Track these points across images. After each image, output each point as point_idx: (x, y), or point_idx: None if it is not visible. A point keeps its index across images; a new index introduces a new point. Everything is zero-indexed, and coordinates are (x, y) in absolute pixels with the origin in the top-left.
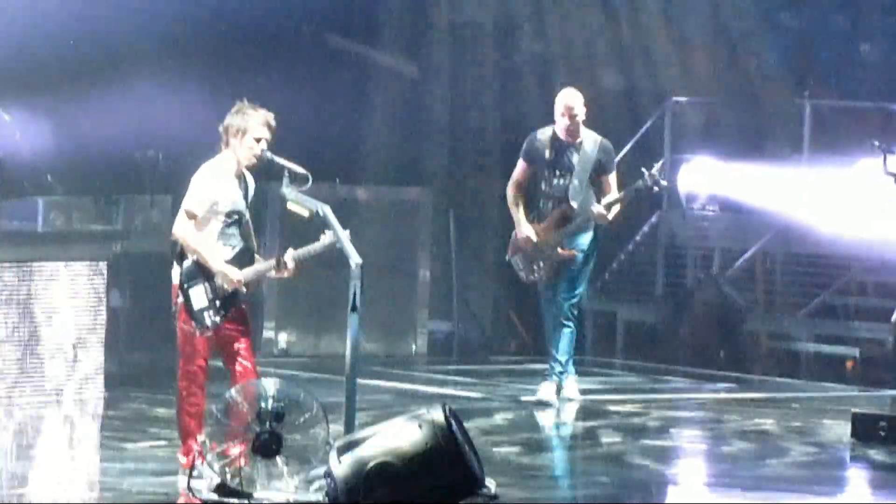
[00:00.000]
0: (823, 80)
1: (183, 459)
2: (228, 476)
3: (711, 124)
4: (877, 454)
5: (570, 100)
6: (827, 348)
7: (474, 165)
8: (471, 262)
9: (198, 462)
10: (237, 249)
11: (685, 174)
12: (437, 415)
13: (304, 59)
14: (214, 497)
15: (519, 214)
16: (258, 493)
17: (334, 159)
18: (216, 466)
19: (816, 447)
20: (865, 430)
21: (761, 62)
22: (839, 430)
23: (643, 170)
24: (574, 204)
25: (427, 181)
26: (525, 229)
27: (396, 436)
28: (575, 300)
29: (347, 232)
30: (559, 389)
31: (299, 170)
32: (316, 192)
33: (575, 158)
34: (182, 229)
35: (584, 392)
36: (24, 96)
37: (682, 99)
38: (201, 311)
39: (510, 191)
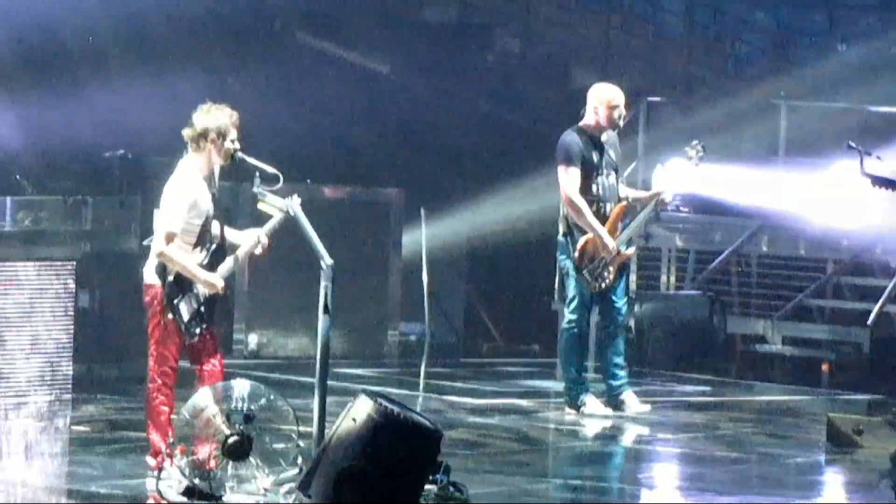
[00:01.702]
0: (800, 80)
1: (152, 462)
2: (197, 478)
3: (686, 124)
4: (852, 458)
5: (618, 95)
6: (802, 351)
7: (446, 165)
8: (443, 263)
9: (166, 464)
10: (211, 249)
11: (659, 175)
12: (363, 401)
13: (275, 57)
14: (183, 500)
15: (597, 222)
16: (227, 496)
17: (305, 159)
18: (185, 469)
19: (791, 451)
20: (840, 433)
21: (737, 62)
22: (814, 433)
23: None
24: (626, 202)
25: (399, 181)
26: (611, 240)
27: (341, 441)
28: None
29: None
30: (621, 403)
31: (270, 170)
32: (287, 191)
33: (612, 154)
34: (163, 249)
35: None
36: None
37: (657, 99)
38: (190, 321)
39: (579, 199)
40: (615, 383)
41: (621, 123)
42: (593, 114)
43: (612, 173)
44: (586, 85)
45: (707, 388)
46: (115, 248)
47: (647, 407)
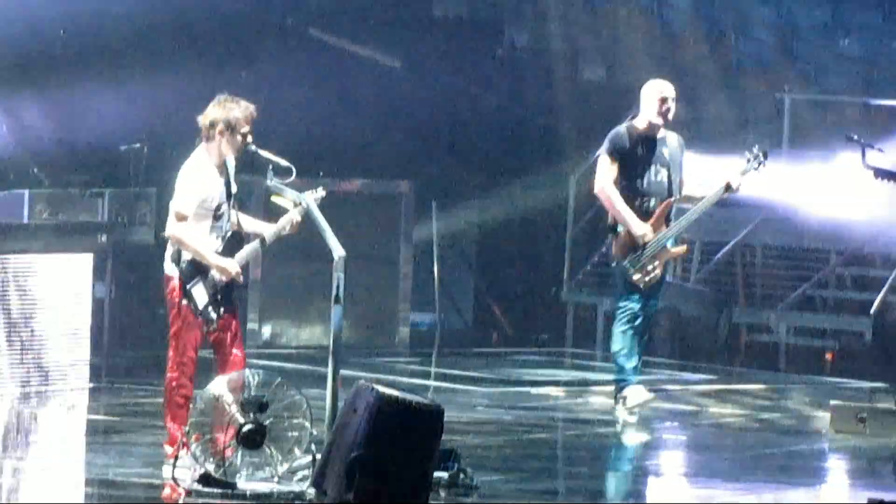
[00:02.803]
0: (803, 74)
1: (169, 450)
2: (213, 466)
3: (691, 118)
4: (855, 445)
5: (667, 88)
6: (806, 341)
7: (456, 158)
8: (453, 254)
9: (182, 452)
10: (227, 237)
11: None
12: (361, 391)
13: (288, 52)
14: (198, 487)
15: (629, 212)
16: (242, 483)
17: (318, 152)
18: (200, 456)
19: (796, 438)
20: (844, 421)
21: (741, 56)
22: (818, 421)
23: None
24: (673, 199)
25: (409, 173)
26: (641, 226)
27: (346, 433)
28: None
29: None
30: (623, 398)
31: (283, 163)
32: (300, 185)
33: (666, 152)
34: (175, 230)
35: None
36: (10, 89)
37: None
38: (206, 307)
39: (611, 189)
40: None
41: (669, 117)
42: (646, 111)
43: (664, 171)
44: (594, 79)
45: (712, 377)
46: (131, 240)
47: (651, 395)
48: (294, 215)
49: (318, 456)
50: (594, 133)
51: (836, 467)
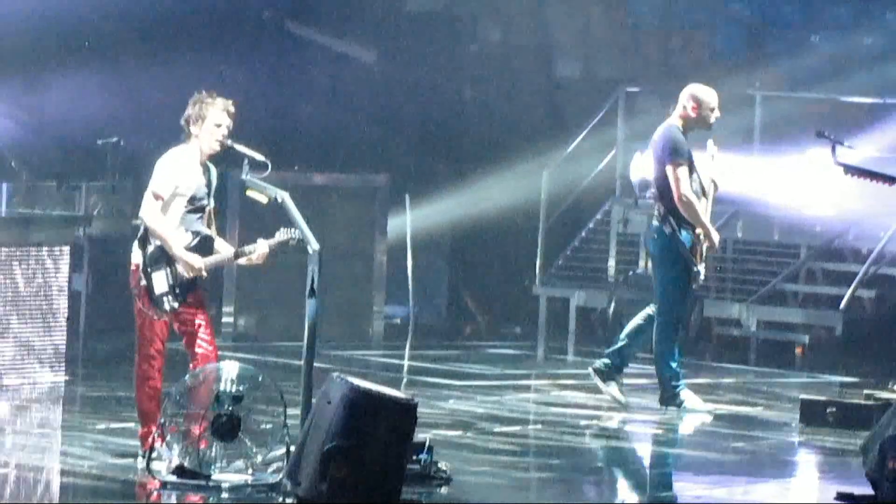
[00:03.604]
0: (775, 70)
1: (142, 442)
2: (187, 457)
3: (664, 113)
4: (824, 439)
5: (712, 96)
6: (777, 334)
7: (431, 152)
8: (427, 247)
9: (157, 444)
10: (198, 237)
11: (638, 162)
12: (336, 383)
13: (264, 46)
14: (173, 478)
15: (707, 218)
16: (216, 475)
17: (293, 146)
18: (175, 448)
19: (766, 431)
20: (814, 415)
21: (713, 52)
22: (788, 415)
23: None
24: (709, 198)
25: (384, 167)
26: (716, 233)
27: (321, 424)
28: None
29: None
30: (679, 399)
31: (259, 157)
32: (275, 178)
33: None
34: (149, 212)
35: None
36: None
37: (636, 88)
38: (161, 295)
39: (692, 195)
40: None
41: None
42: (690, 112)
43: (696, 171)
44: (567, 74)
45: (683, 371)
46: (108, 233)
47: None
48: (264, 250)
49: (293, 447)
50: (567, 127)
51: (806, 461)
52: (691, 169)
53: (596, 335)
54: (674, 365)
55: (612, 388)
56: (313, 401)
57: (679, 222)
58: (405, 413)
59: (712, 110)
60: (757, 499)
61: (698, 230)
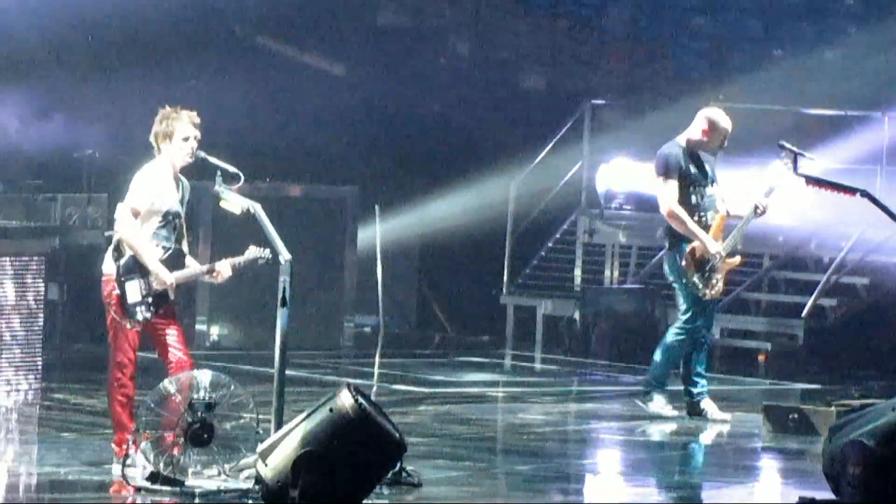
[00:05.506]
0: (737, 83)
1: (116, 449)
2: (161, 464)
3: (629, 125)
4: (787, 445)
5: (728, 122)
6: (740, 342)
7: (400, 164)
8: (396, 257)
9: (131, 451)
10: (170, 251)
11: (603, 174)
12: (344, 395)
13: (235, 59)
14: (147, 485)
15: (699, 229)
16: (190, 481)
17: (264, 158)
18: (149, 455)
19: (729, 438)
20: (776, 421)
21: (678, 66)
22: (751, 421)
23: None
24: (723, 213)
25: (353, 178)
26: (715, 244)
27: (312, 425)
28: None
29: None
30: (701, 410)
31: (231, 169)
32: (247, 190)
33: (708, 168)
34: (126, 226)
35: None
36: None
37: (602, 101)
38: (134, 305)
39: (678, 208)
40: (696, 390)
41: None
42: (701, 134)
43: (710, 186)
44: (533, 87)
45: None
46: (82, 243)
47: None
48: (228, 273)
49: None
50: (534, 139)
51: (769, 466)
52: (691, 184)
53: (562, 343)
54: (666, 371)
55: (709, 409)
56: (285, 407)
57: (676, 237)
58: (392, 449)
59: (725, 138)
60: (721, 502)
61: (694, 242)
